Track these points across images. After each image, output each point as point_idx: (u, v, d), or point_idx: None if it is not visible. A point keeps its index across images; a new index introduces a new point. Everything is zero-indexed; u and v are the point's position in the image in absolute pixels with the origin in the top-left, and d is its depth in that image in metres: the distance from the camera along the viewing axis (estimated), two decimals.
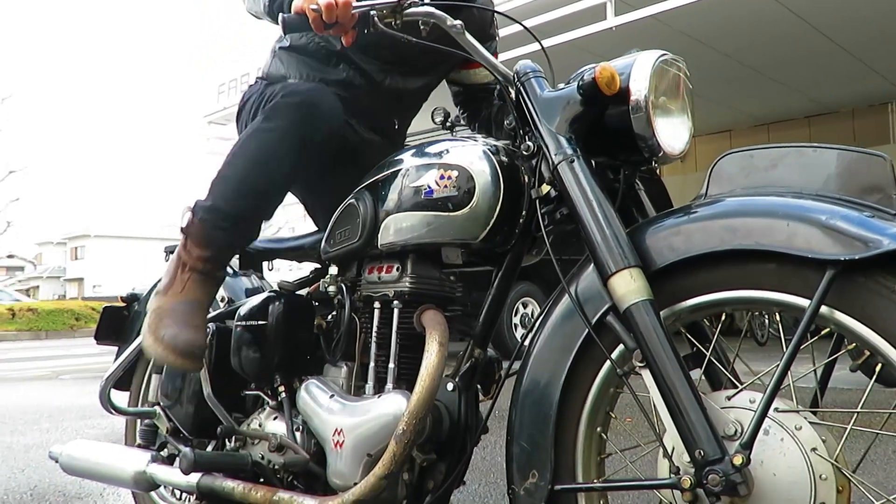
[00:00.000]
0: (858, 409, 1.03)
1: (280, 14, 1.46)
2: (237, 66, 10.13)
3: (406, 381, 1.46)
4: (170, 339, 1.53)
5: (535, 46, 1.62)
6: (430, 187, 1.42)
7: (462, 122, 1.96)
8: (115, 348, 2.21)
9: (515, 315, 6.86)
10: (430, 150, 1.48)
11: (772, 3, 6.27)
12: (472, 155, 1.40)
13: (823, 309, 1.01)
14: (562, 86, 1.33)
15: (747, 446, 1.02)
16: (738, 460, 1.01)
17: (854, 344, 1.03)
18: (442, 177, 1.40)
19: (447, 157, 1.43)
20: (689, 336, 1.22)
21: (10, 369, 8.90)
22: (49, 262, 53.89)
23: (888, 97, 9.47)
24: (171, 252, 2.05)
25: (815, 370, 1.12)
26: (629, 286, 1.12)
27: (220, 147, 11.32)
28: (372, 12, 1.43)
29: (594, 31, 6.46)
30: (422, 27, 1.44)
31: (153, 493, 2.14)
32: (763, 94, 9.00)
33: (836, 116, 10.09)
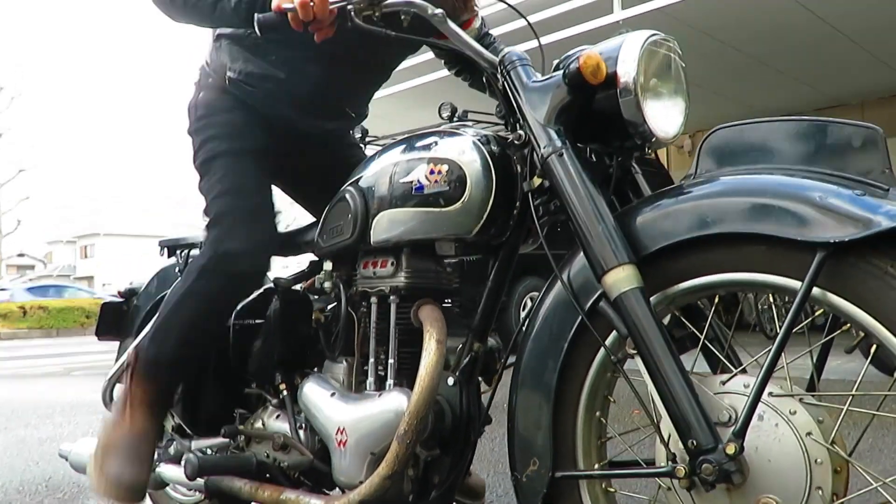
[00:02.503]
0: (853, 392, 1.02)
1: (255, 15, 1.44)
2: None
3: (406, 376, 1.45)
4: (114, 477, 1.60)
5: (535, 41, 1.60)
6: (420, 182, 1.39)
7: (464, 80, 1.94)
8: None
9: (523, 310, 6.84)
10: (419, 143, 1.46)
11: None
12: (461, 147, 1.38)
13: (816, 291, 1.00)
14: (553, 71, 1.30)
15: (740, 434, 1.01)
16: (731, 449, 1.00)
17: (848, 325, 1.02)
18: (432, 171, 1.38)
19: (436, 150, 1.41)
20: (685, 319, 1.20)
21: (23, 366, 8.97)
22: (59, 260, 54.09)
23: None
24: (167, 247, 2.08)
25: (810, 352, 1.11)
26: (619, 275, 1.11)
27: None
28: (349, 7, 1.40)
29: (601, 25, 6.44)
30: (402, 17, 1.41)
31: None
32: (771, 86, 8.91)
33: (845, 109, 9.98)
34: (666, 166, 9.81)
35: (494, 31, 2.01)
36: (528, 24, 1.59)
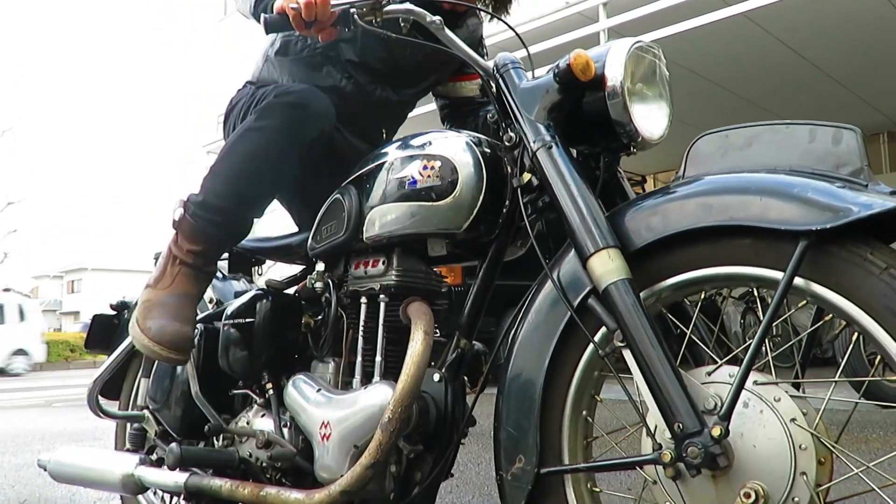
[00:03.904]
0: (836, 379, 1.03)
1: (262, 14, 1.48)
2: None
3: (393, 374, 1.45)
4: (157, 331, 1.54)
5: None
6: (413, 178, 1.43)
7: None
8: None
9: None
10: (414, 142, 1.49)
11: (762, 33, 6.36)
12: (455, 146, 1.42)
13: (800, 281, 1.02)
14: (540, 75, 1.35)
15: (725, 418, 1.02)
16: (716, 432, 1.01)
17: (831, 315, 1.04)
18: (425, 167, 1.42)
19: (430, 148, 1.45)
20: (672, 317, 1.22)
21: (3, 399, 8.85)
22: (45, 295, 53.68)
23: (879, 128, 9.54)
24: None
25: (795, 343, 1.12)
26: (607, 266, 1.13)
27: None
28: (352, 10, 1.45)
29: None
30: (402, 24, 1.46)
31: (142, 499, 2.13)
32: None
33: None
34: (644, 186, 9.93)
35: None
36: (517, 34, 1.61)
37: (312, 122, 1.60)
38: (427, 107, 2.02)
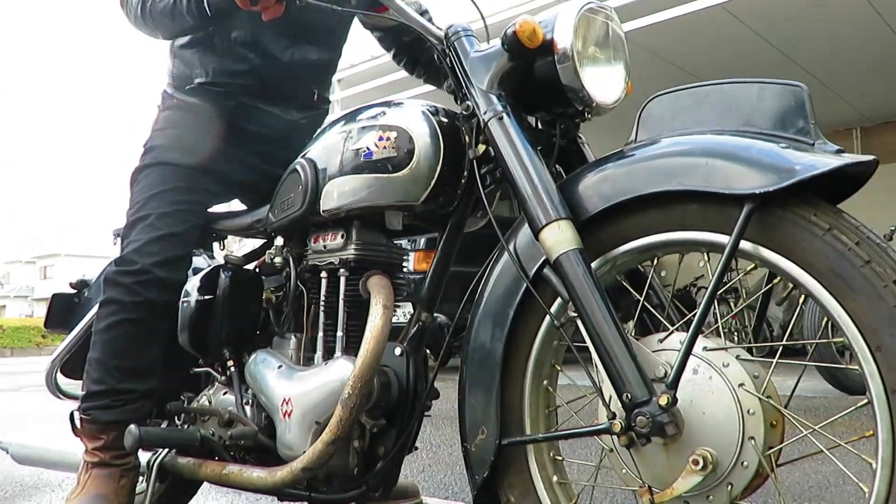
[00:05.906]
0: (784, 343, 1.04)
1: (204, 3, 1.46)
2: None
3: (354, 348, 1.42)
4: None
5: None
6: (369, 149, 1.41)
7: (400, 67, 1.94)
8: None
9: None
10: (369, 112, 1.47)
11: (737, 23, 6.37)
12: (411, 116, 1.40)
13: (747, 245, 1.02)
14: (492, 43, 1.33)
15: (672, 386, 1.03)
16: (663, 400, 1.01)
17: (779, 278, 1.04)
18: (381, 138, 1.39)
19: (385, 118, 1.43)
20: (627, 284, 1.22)
21: None
22: (17, 281, 53.01)
23: (853, 123, 9.60)
24: (121, 237, 2.05)
25: (744, 308, 1.13)
26: (557, 237, 1.13)
27: None
28: None
29: None
30: None
31: None
32: None
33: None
34: None
35: None
36: (476, 6, 1.59)
37: (150, 292, 1.64)
38: (427, 87, 1.98)
